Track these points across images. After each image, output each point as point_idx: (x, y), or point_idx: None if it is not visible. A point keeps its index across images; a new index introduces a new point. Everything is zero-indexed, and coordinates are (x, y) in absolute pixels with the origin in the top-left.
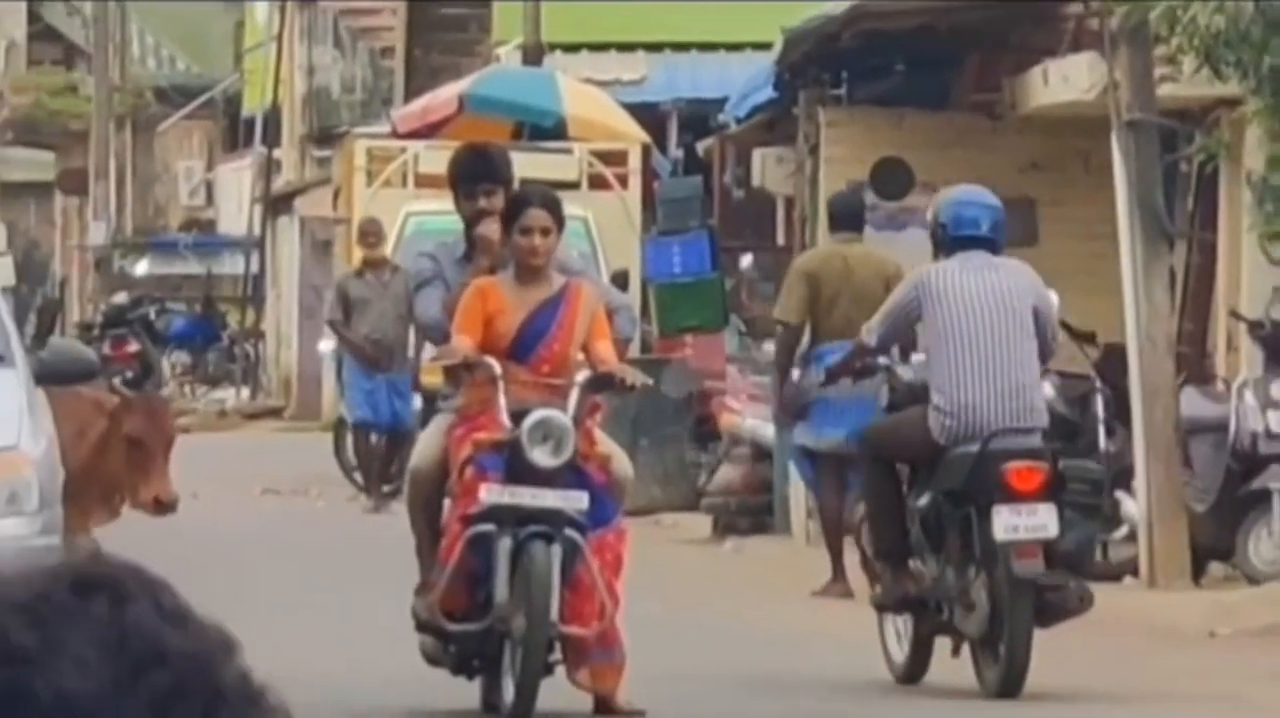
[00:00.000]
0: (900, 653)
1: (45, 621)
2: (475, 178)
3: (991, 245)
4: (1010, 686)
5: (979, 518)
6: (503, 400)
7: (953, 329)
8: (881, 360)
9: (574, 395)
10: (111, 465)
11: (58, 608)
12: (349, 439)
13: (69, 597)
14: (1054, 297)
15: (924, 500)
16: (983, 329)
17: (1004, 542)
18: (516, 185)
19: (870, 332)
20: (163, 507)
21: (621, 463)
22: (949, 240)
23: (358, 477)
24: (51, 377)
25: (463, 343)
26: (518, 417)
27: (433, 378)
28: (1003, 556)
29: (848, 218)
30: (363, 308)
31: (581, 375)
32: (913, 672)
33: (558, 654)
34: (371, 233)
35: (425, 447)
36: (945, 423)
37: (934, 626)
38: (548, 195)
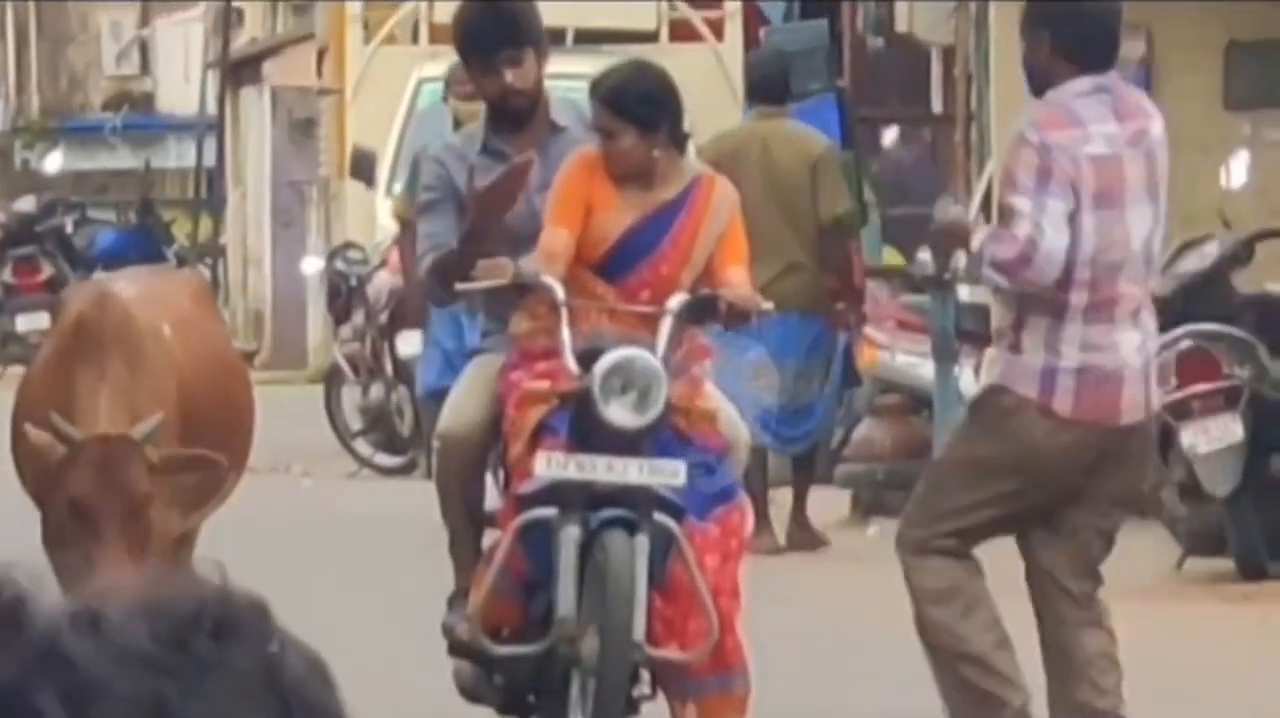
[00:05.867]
0: None
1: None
2: (493, 43)
3: None
4: None
5: None
6: (567, 335)
7: None
8: None
9: (665, 328)
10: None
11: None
12: (343, 395)
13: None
14: None
15: None
16: None
17: None
18: (569, 40)
19: None
20: None
21: (733, 422)
22: None
23: (358, 446)
24: None
25: (557, 238)
26: (589, 358)
27: None
28: None
29: (768, 85)
30: None
31: (676, 301)
32: None
33: (646, 687)
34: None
35: (460, 402)
36: None
37: None
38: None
